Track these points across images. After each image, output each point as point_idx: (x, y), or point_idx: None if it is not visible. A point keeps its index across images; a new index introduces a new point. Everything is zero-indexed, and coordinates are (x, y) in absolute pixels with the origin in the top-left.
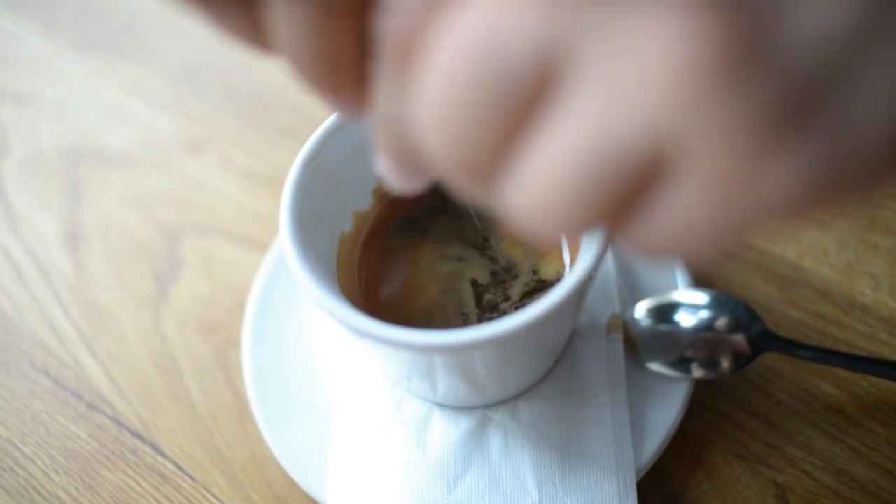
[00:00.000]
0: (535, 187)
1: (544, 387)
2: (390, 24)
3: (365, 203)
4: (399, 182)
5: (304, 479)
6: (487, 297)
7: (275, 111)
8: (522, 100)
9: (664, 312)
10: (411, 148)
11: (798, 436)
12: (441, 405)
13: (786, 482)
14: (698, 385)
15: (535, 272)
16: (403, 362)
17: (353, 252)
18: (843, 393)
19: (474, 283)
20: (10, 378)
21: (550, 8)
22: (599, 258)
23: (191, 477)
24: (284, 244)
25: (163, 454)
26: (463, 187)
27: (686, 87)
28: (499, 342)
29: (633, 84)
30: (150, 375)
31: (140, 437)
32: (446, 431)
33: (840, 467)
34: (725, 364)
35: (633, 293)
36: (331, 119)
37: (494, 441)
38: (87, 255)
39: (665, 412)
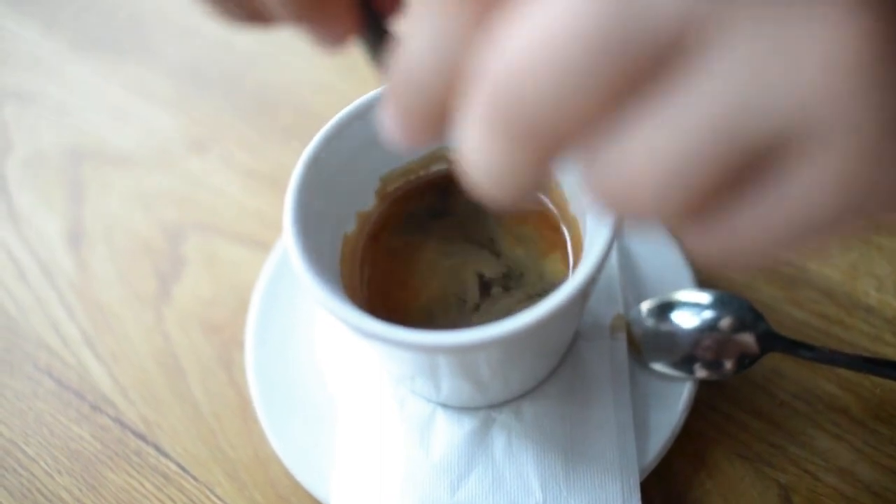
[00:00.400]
0: (639, 162)
1: (548, 387)
2: None
3: (368, 203)
4: (403, 136)
5: (308, 478)
6: (492, 290)
7: (277, 110)
8: (649, 61)
9: (667, 312)
10: (434, 100)
11: (801, 436)
12: (445, 405)
13: (789, 482)
14: (702, 385)
15: (538, 272)
16: (407, 362)
17: (357, 252)
18: (846, 393)
19: (479, 276)
20: (14, 379)
21: None
22: (604, 258)
23: (194, 477)
24: (288, 244)
25: (166, 455)
26: (539, 152)
27: (842, 73)
28: (503, 343)
29: (783, 59)
30: (152, 375)
31: (143, 437)
32: (450, 431)
33: (843, 467)
34: (729, 364)
35: (637, 293)
36: (334, 119)
37: (498, 441)
38: (89, 254)
39: (668, 412)
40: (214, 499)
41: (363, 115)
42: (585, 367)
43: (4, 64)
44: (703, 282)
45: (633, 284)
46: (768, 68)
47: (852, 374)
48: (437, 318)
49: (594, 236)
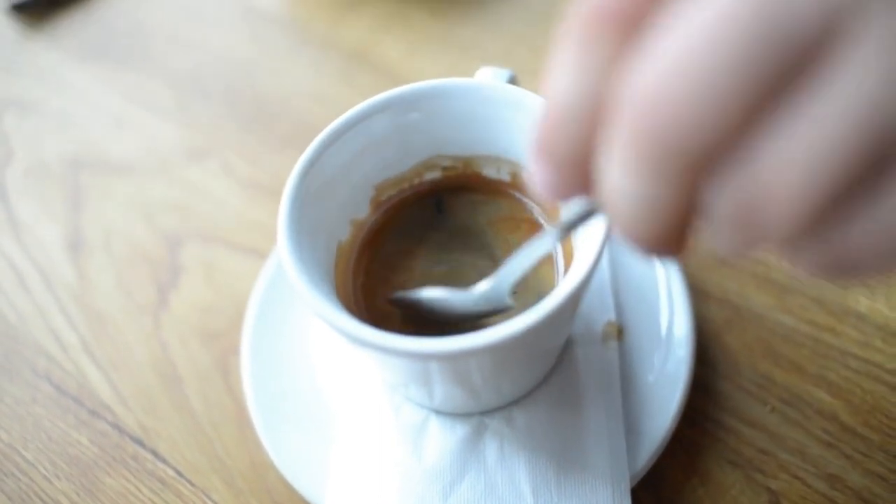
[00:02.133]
0: (778, 169)
1: (540, 394)
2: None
3: (362, 211)
4: (554, 190)
5: (303, 485)
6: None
7: (276, 121)
8: (792, 63)
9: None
10: (582, 141)
11: (792, 443)
12: (438, 411)
13: (780, 489)
14: (693, 392)
15: (530, 279)
16: (400, 369)
17: (351, 260)
18: (836, 400)
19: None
20: (13, 385)
21: None
22: (594, 266)
23: (191, 483)
24: (282, 252)
25: (163, 460)
26: (688, 175)
27: None
28: (493, 350)
29: None
30: (150, 382)
31: (141, 443)
32: (443, 437)
33: (834, 474)
34: None
35: (629, 300)
36: (328, 129)
37: (490, 447)
38: (89, 262)
39: (660, 419)
40: None
41: (357, 125)
42: (577, 373)
43: (7, 73)
44: (694, 287)
45: (625, 292)
46: None
47: (843, 381)
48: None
49: (584, 245)
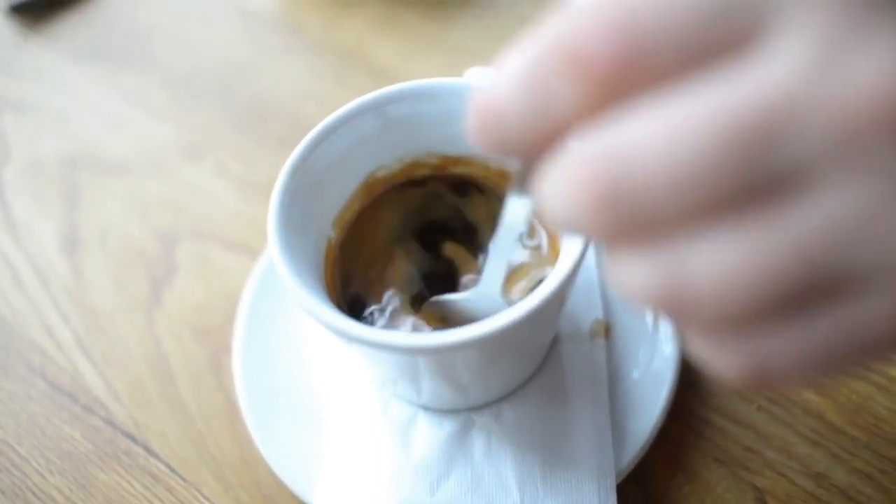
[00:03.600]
0: (710, 268)
1: (527, 390)
2: None
3: (350, 208)
4: (479, 144)
5: (292, 480)
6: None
7: (271, 121)
8: (762, 188)
9: None
10: (513, 137)
11: (778, 441)
12: (426, 408)
13: (765, 486)
14: (680, 390)
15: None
16: (388, 365)
17: (338, 256)
18: (823, 399)
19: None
20: (7, 380)
21: None
22: (579, 263)
23: (182, 478)
24: (272, 248)
25: (155, 455)
26: (622, 231)
27: None
28: (480, 344)
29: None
30: (143, 378)
31: (133, 438)
32: (430, 433)
33: (819, 472)
34: None
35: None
36: (318, 127)
37: (478, 443)
38: (84, 260)
39: (646, 416)
40: (202, 499)
41: (346, 123)
42: (564, 371)
43: (4, 73)
44: None
45: (613, 290)
46: (874, 212)
47: (830, 381)
48: None
49: (570, 241)
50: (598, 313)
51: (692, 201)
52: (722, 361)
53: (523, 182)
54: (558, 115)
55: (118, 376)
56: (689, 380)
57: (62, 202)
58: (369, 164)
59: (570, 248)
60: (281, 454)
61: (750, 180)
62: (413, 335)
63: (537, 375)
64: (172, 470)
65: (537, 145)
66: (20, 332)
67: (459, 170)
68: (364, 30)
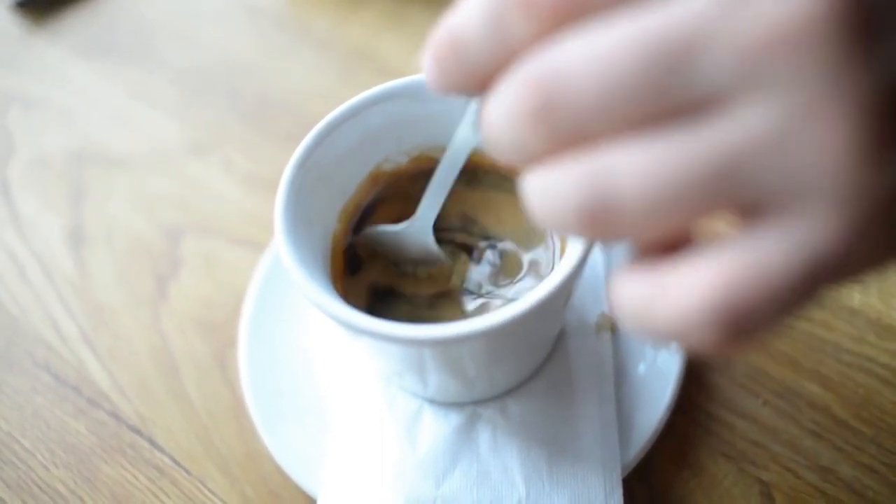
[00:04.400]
0: (628, 176)
1: (533, 384)
2: None
3: (356, 202)
4: (434, 85)
5: (298, 473)
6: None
7: (277, 117)
8: (683, 106)
9: None
10: (470, 70)
11: (784, 435)
12: (432, 401)
13: (771, 480)
14: (685, 385)
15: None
16: (394, 357)
17: (344, 249)
18: (828, 393)
19: (465, 272)
20: (13, 374)
21: None
22: (585, 255)
23: (187, 471)
24: (279, 241)
25: (160, 449)
26: (554, 143)
27: (844, 152)
28: (487, 336)
29: (798, 125)
30: (148, 372)
31: (138, 432)
32: (436, 427)
33: (825, 466)
34: None
35: None
36: (324, 121)
37: (483, 436)
38: (89, 255)
39: (652, 411)
40: (207, 492)
41: (353, 117)
42: (570, 365)
43: (11, 69)
44: None
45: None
46: (783, 127)
47: (835, 375)
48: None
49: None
50: (605, 308)
51: (616, 113)
52: (625, 296)
53: (472, 121)
54: (513, 46)
55: (123, 370)
56: (694, 375)
57: (68, 197)
58: (375, 157)
59: (577, 242)
60: (286, 448)
61: (668, 98)
62: (419, 327)
63: (543, 369)
64: (177, 463)
65: (491, 77)
66: (25, 327)
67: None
68: (370, 27)
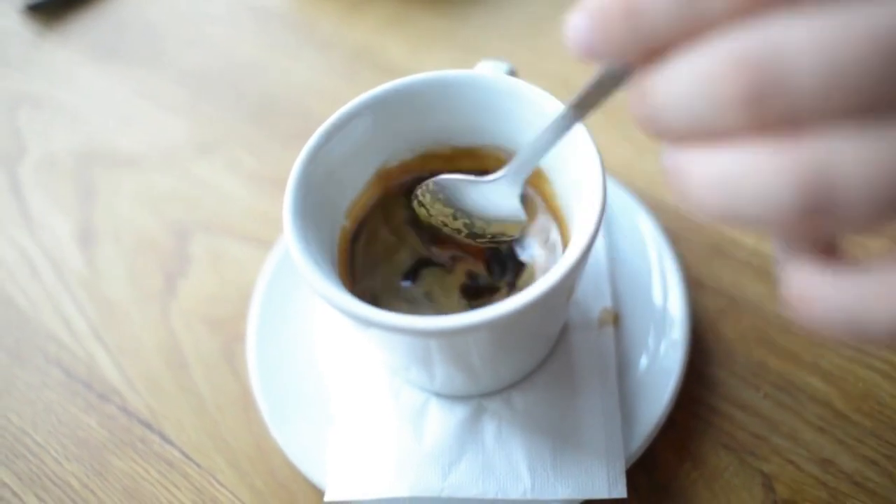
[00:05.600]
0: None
1: (538, 377)
2: None
3: (364, 197)
4: (588, 48)
5: (306, 466)
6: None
7: (282, 116)
8: None
9: None
10: (647, 35)
11: (785, 427)
12: (438, 394)
13: (772, 472)
14: (687, 378)
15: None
16: (401, 350)
17: (351, 243)
18: (830, 386)
19: (469, 267)
20: (25, 370)
21: None
22: (588, 248)
23: (197, 464)
24: (288, 236)
25: (170, 442)
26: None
27: None
28: (490, 327)
29: None
30: (158, 367)
31: (148, 426)
32: (442, 419)
33: (826, 458)
34: None
35: (625, 287)
36: (331, 118)
37: (489, 429)
38: (99, 252)
39: (654, 403)
40: (217, 485)
41: (360, 115)
42: (574, 358)
43: (21, 71)
44: (691, 278)
45: (622, 279)
46: None
47: (836, 368)
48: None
49: (580, 228)
50: (607, 302)
51: (836, 103)
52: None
53: (593, 94)
54: (707, 19)
55: (133, 365)
56: (696, 368)
57: (77, 196)
58: (382, 154)
59: (580, 235)
60: (295, 440)
61: (893, 92)
62: (426, 318)
63: (547, 363)
64: (187, 457)
65: (664, 48)
66: (36, 323)
67: (470, 163)
68: (374, 27)
